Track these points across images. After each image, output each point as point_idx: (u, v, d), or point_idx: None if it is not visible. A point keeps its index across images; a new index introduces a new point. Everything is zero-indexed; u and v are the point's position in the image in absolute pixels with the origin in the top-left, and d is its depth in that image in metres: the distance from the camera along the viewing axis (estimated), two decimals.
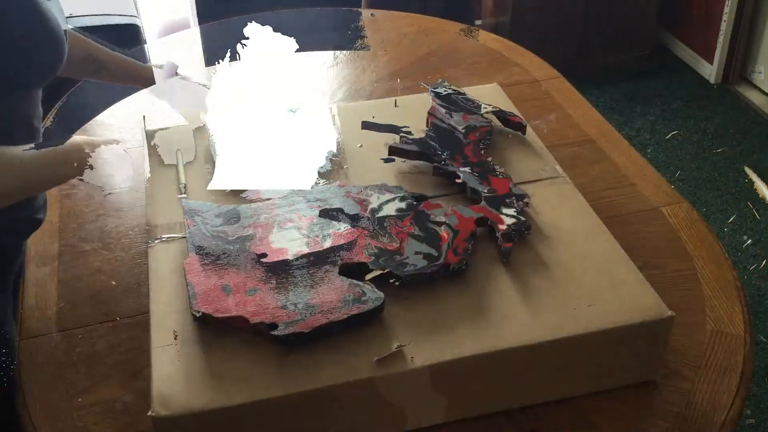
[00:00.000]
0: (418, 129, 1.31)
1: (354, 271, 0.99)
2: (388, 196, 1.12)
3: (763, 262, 2.43)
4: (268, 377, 0.88)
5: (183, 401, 0.85)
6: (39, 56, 0.97)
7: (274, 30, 1.39)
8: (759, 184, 1.91)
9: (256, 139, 1.32)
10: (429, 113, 1.31)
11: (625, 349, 0.96)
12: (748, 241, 2.51)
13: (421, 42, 1.89)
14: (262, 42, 1.32)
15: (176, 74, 1.21)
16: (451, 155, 1.20)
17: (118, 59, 1.38)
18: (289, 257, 0.99)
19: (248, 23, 1.30)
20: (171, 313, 0.96)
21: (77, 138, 1.09)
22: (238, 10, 2.22)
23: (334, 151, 1.27)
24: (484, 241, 1.06)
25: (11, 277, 1.15)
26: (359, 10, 2.16)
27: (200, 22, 2.69)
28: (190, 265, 0.99)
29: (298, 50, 1.35)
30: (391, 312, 0.95)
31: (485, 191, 1.12)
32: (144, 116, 1.35)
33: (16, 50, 0.93)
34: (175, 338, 0.92)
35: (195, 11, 2.74)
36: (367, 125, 1.29)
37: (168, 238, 1.08)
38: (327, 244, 1.02)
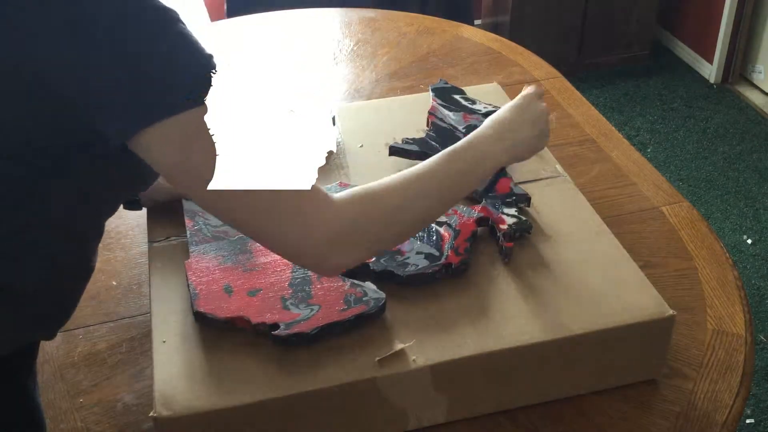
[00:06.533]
0: (419, 129, 1.31)
1: (355, 271, 0.99)
2: None
3: (763, 262, 2.43)
4: (269, 378, 0.88)
5: (185, 402, 0.85)
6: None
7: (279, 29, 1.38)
8: None
9: (256, 138, 1.31)
10: (429, 113, 1.31)
11: (626, 349, 0.96)
12: (748, 241, 2.51)
13: (421, 42, 1.89)
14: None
15: None
16: None
17: None
18: None
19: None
20: (172, 314, 0.96)
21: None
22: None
23: (334, 151, 1.27)
24: (485, 240, 1.06)
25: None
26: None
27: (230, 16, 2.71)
28: (191, 265, 0.99)
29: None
30: (393, 312, 0.95)
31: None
32: None
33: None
34: (164, 342, 0.93)
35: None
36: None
37: (169, 238, 1.08)
38: None
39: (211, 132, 0.73)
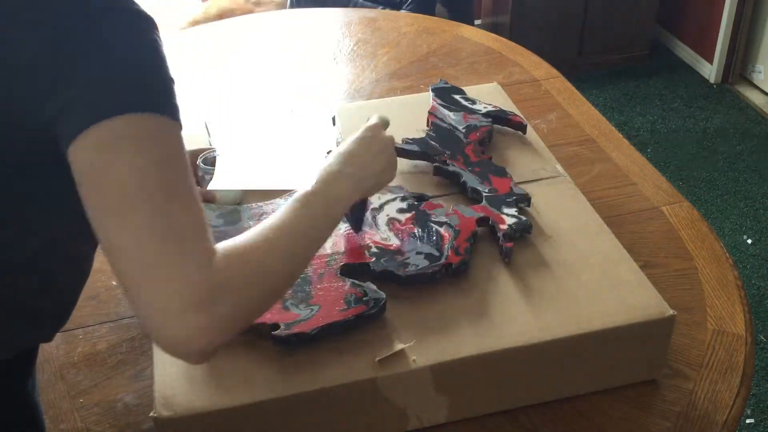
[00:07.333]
0: (419, 129, 1.31)
1: (355, 271, 0.99)
2: (389, 195, 1.12)
3: (763, 262, 2.43)
4: (269, 378, 0.88)
5: (185, 402, 0.85)
6: None
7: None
8: None
9: (257, 138, 1.32)
10: (429, 113, 1.31)
11: (626, 349, 0.96)
12: (748, 241, 2.51)
13: (421, 42, 1.89)
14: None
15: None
16: (452, 155, 1.20)
17: None
18: None
19: None
20: None
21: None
22: None
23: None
24: (486, 241, 1.06)
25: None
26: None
27: None
28: None
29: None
30: (393, 312, 0.95)
31: (486, 191, 1.12)
32: None
33: None
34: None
35: None
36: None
37: None
38: (328, 244, 1.02)
39: (146, 148, 0.66)
